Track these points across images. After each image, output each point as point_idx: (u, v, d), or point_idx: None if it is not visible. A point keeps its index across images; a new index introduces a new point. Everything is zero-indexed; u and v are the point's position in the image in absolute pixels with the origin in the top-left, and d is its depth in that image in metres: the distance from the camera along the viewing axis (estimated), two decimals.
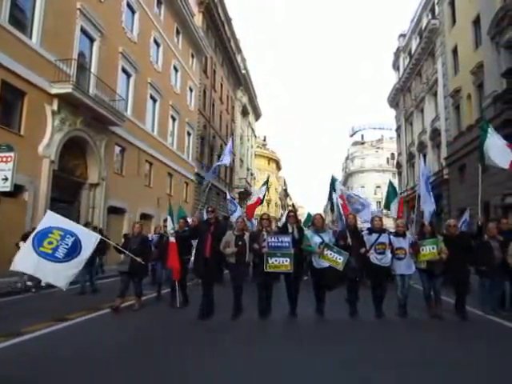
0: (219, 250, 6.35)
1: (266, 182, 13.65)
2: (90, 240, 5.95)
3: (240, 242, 6.39)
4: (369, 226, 7.54)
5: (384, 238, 6.63)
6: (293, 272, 6.27)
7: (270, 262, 6.23)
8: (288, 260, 6.19)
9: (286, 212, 8.89)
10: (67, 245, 5.73)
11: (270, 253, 6.24)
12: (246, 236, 6.55)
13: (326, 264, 6.33)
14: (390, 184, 13.54)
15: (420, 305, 6.95)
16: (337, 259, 6.25)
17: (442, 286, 6.70)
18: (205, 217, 7.41)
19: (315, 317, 6.55)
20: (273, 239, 6.34)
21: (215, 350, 4.69)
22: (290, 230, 6.64)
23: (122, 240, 10.30)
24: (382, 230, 6.80)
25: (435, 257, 6.39)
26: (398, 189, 34.45)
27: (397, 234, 6.85)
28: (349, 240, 6.54)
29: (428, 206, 8.35)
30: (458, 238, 6.70)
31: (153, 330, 5.78)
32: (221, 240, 6.40)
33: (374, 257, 6.54)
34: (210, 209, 6.87)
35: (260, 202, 12.73)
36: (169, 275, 7.66)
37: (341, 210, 7.93)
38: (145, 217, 20.04)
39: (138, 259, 6.68)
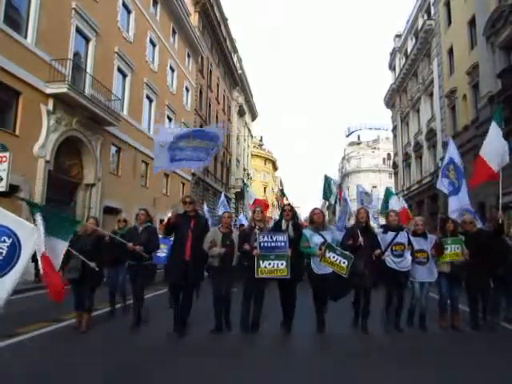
0: (202, 250, 5.31)
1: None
2: (30, 237, 4.45)
3: (228, 242, 5.44)
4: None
5: (402, 238, 5.60)
6: (290, 278, 5.30)
7: (262, 265, 5.28)
8: (284, 263, 5.26)
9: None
10: (1, 254, 4.25)
11: (263, 255, 5.30)
12: (235, 234, 5.65)
13: (328, 269, 5.31)
14: (387, 190, 14.04)
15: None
16: (341, 263, 5.23)
17: (463, 291, 5.95)
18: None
19: (314, 332, 5.52)
20: (266, 238, 5.36)
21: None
22: (284, 228, 5.64)
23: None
24: (399, 228, 5.72)
25: (459, 258, 5.68)
26: (393, 189, 34.72)
27: (416, 234, 5.81)
28: (360, 239, 5.47)
29: (462, 199, 7.16)
30: (476, 237, 5.90)
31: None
32: (203, 238, 5.38)
33: (390, 259, 5.51)
34: (188, 199, 5.57)
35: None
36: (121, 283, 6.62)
37: (349, 204, 7.37)
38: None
39: (92, 264, 5.37)
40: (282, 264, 5.26)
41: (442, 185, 7.50)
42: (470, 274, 5.73)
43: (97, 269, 5.44)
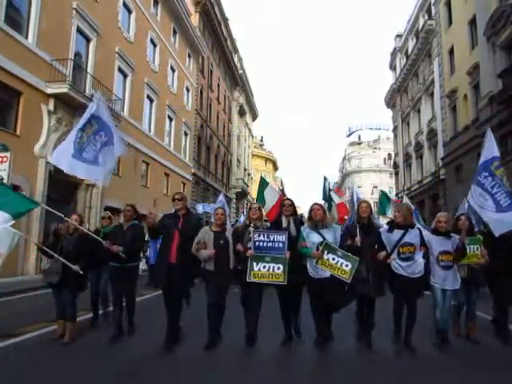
0: (190, 252, 4.62)
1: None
2: (5, 238, 4.02)
3: (222, 241, 4.72)
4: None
5: (412, 237, 4.66)
6: (288, 284, 4.57)
7: (255, 268, 4.58)
8: (281, 267, 4.54)
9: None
10: None
11: (257, 256, 4.61)
12: (229, 233, 4.92)
13: (326, 273, 4.51)
14: (383, 194, 14.13)
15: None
16: (342, 266, 4.44)
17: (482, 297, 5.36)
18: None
19: (315, 346, 4.78)
20: (261, 237, 4.64)
21: None
22: (285, 225, 4.89)
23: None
24: (408, 225, 4.77)
25: (479, 260, 4.99)
26: (394, 189, 34.73)
27: (438, 233, 4.88)
28: (357, 239, 4.72)
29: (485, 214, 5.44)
30: (502, 237, 5.20)
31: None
32: (193, 239, 4.69)
33: (396, 264, 4.63)
34: (177, 196, 4.98)
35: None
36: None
37: (355, 201, 6.72)
38: (142, 217, 19.98)
39: (75, 267, 4.73)
40: (278, 268, 4.57)
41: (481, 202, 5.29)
42: (496, 277, 5.19)
43: (81, 272, 4.83)
